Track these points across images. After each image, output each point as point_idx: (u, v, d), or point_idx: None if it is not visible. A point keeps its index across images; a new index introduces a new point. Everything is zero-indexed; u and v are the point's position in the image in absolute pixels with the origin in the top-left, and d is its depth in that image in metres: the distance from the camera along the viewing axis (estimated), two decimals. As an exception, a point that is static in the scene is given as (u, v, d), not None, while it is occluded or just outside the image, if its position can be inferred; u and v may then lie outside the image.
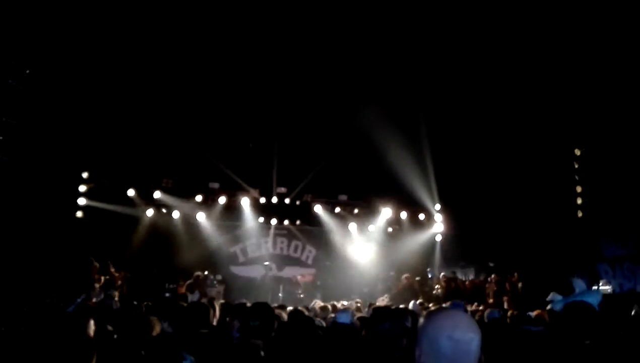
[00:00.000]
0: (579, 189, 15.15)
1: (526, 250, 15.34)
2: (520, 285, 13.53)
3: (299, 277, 15.31)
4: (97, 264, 11.49)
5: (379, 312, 5.05)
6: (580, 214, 15.07)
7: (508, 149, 14.87)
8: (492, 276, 14.12)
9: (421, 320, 1.91)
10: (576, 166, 15.22)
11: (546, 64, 13.21)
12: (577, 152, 15.16)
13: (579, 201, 15.11)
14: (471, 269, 18.00)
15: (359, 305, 9.59)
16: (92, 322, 3.96)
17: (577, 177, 15.17)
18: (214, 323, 4.82)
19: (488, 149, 14.99)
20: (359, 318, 6.14)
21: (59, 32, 11.92)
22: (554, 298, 4.45)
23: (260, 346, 2.78)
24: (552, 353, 3.10)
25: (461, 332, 1.76)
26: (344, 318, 5.26)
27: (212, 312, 5.09)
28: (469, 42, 13.30)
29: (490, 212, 15.22)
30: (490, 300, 13.11)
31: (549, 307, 5.16)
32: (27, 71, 11.75)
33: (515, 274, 13.69)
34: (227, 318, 4.99)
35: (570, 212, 15.14)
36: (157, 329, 4.03)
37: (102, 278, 11.47)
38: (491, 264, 16.62)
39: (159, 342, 3.88)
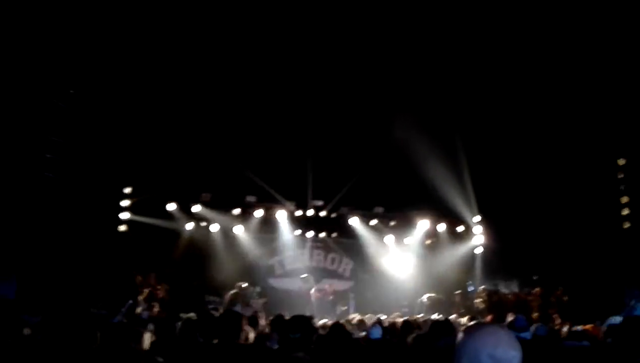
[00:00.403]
0: (624, 200, 14.61)
1: (571, 263, 14.87)
2: (566, 298, 13.13)
3: (326, 287, 15.12)
4: (140, 277, 11.80)
5: (435, 328, 4.98)
6: (626, 225, 14.52)
7: (549, 159, 14.49)
8: (536, 289, 13.74)
9: (460, 335, 1.88)
10: (620, 176, 14.70)
11: (588, 72, 12.88)
12: (621, 161, 14.65)
13: (625, 212, 14.56)
14: (514, 282, 17.53)
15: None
16: (147, 335, 4.07)
17: (622, 187, 14.64)
18: (253, 335, 4.84)
19: (529, 159, 14.65)
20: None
21: (100, 51, 12.40)
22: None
23: (304, 359, 2.78)
24: None
25: (503, 349, 1.73)
26: (375, 334, 5.21)
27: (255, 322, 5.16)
28: (508, 50, 13.11)
29: (532, 223, 14.83)
30: (535, 314, 12.73)
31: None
32: (71, 91, 12.25)
33: (561, 288, 13.30)
34: (267, 330, 5.03)
35: (616, 223, 14.61)
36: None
37: (145, 290, 11.75)
38: (535, 277, 16.15)
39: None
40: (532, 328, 6.07)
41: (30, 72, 11.75)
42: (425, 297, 14.28)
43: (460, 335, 1.89)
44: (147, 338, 4.05)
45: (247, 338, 4.62)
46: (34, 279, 10.09)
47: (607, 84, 12.96)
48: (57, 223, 11.67)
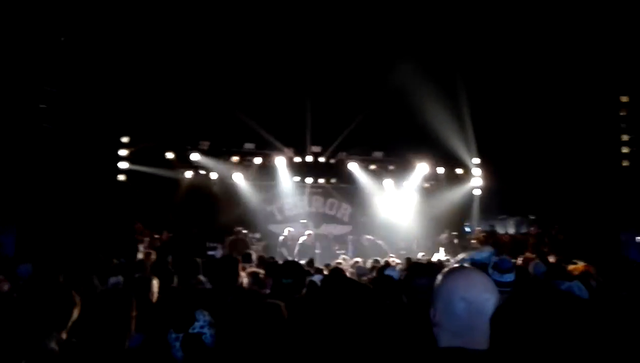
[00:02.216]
0: (625, 138, 14.50)
1: (569, 202, 14.96)
2: (562, 237, 13.28)
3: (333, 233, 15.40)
4: (140, 225, 11.95)
5: (416, 268, 5.03)
6: (626, 163, 14.48)
7: (549, 97, 14.28)
8: (532, 228, 13.90)
9: (437, 278, 1.87)
10: (622, 114, 14.52)
11: (590, 9, 12.47)
12: (624, 99, 14.42)
13: (625, 150, 14.49)
14: (510, 222, 17.74)
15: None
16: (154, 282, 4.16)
17: (623, 125, 14.50)
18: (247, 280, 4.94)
19: (527, 98, 14.44)
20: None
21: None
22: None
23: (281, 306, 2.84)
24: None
25: (476, 292, 1.73)
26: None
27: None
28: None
29: (531, 163, 14.82)
30: (529, 254, 12.93)
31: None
32: (62, 38, 11.95)
33: (556, 226, 13.42)
34: (260, 275, 5.12)
35: (615, 161, 14.57)
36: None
37: (146, 239, 11.94)
38: (532, 217, 16.32)
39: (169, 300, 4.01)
40: (531, 266, 6.06)
41: (18, 19, 11.43)
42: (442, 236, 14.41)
43: (438, 278, 1.89)
44: (155, 285, 4.19)
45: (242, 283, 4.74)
46: (34, 230, 10.23)
47: (609, 20, 12.57)
48: (55, 175, 11.70)
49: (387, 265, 7.25)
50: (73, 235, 10.51)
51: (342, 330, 2.60)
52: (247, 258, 6.97)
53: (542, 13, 12.95)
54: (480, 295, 1.74)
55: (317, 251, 13.84)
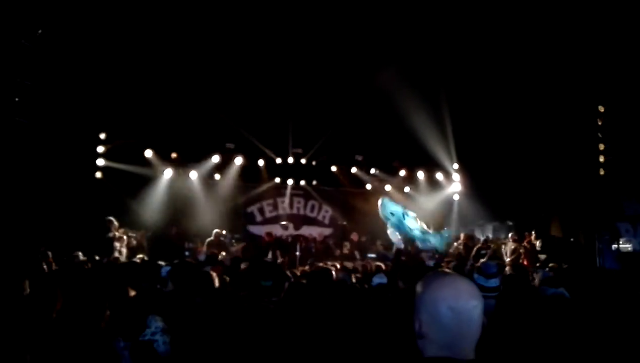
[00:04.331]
0: (601, 147, 14.76)
1: (546, 208, 15.17)
2: (538, 243, 13.43)
3: (316, 235, 15.35)
4: (116, 223, 11.70)
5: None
6: (602, 172, 14.74)
7: (528, 105, 14.46)
8: (510, 234, 14.03)
9: (418, 287, 1.75)
10: (599, 123, 14.78)
11: (569, 18, 12.66)
12: (601, 108, 14.68)
13: (601, 159, 14.74)
14: (489, 227, 17.90)
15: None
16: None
17: (599, 135, 14.76)
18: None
19: (507, 105, 14.61)
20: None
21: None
22: None
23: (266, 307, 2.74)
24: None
25: (464, 300, 1.65)
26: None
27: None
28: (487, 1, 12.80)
29: (509, 169, 14.98)
30: (508, 259, 13.07)
31: None
32: (39, 31, 11.65)
33: (533, 232, 13.57)
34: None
35: (592, 169, 14.82)
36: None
37: (124, 237, 11.70)
38: (510, 222, 16.49)
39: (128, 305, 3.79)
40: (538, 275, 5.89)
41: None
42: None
43: (418, 286, 1.78)
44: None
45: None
46: (6, 227, 9.95)
47: (588, 30, 12.78)
48: (29, 171, 11.40)
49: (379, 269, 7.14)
50: (47, 232, 10.24)
51: (324, 337, 2.53)
52: (212, 261, 6.82)
53: (522, 23, 13.10)
54: (468, 303, 1.66)
55: (297, 253, 13.77)
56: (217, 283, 4.35)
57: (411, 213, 11.33)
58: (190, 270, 4.15)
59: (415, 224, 9.87)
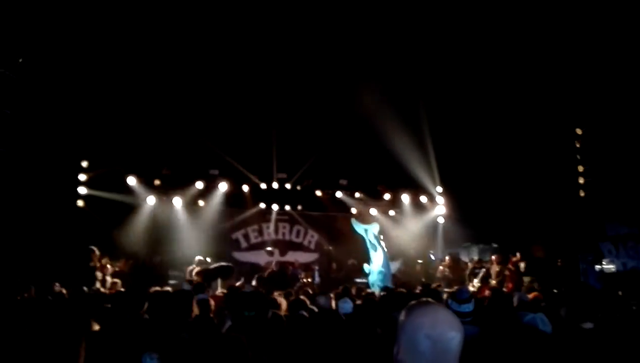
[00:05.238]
0: (580, 169, 15.03)
1: (529, 230, 15.29)
2: (523, 265, 13.49)
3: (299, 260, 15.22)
4: (98, 253, 11.49)
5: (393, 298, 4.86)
6: (582, 194, 14.97)
7: (509, 129, 14.72)
8: (494, 257, 14.08)
9: (401, 314, 1.81)
10: (578, 145, 15.08)
11: (547, 42, 13.00)
12: (579, 131, 15.01)
13: (581, 180, 15.00)
14: (474, 250, 17.97)
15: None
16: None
17: (578, 157, 15.04)
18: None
19: (489, 129, 14.85)
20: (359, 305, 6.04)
21: (52, 20, 11.76)
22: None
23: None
24: None
25: (441, 330, 1.68)
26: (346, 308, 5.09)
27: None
28: (467, 22, 13.10)
29: (492, 192, 15.14)
30: (493, 282, 13.09)
31: None
32: (20, 60, 11.62)
33: (518, 254, 13.64)
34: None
35: (572, 191, 15.05)
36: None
37: (108, 266, 11.50)
38: (495, 245, 16.59)
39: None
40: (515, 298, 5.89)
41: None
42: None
43: (401, 314, 1.82)
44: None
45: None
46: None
47: (566, 53, 13.13)
48: (10, 200, 11.22)
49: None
50: (28, 262, 10.03)
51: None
52: (200, 289, 6.71)
53: (501, 47, 13.42)
54: (446, 334, 1.69)
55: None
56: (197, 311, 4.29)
57: (371, 233, 11.59)
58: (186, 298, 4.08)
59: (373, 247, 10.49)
